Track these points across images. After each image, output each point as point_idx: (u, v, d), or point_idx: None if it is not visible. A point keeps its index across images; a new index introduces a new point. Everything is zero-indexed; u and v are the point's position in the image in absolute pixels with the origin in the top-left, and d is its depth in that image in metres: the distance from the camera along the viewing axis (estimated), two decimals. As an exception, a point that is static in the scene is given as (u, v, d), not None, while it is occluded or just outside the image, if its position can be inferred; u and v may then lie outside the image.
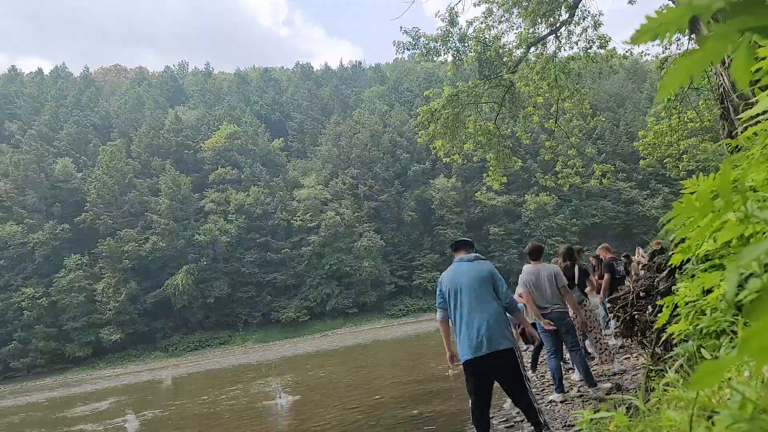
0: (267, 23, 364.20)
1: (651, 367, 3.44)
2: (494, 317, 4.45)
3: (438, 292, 4.80)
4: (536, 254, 6.42)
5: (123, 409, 14.73)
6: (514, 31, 13.44)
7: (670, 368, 2.23)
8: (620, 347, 8.81)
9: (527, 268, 6.47)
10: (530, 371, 8.56)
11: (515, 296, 7.14)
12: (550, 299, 6.25)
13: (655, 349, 3.72)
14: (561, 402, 6.19)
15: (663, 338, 3.02)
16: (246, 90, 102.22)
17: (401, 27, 13.16)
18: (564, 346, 6.61)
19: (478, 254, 4.91)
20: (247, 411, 11.02)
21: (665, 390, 1.98)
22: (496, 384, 4.59)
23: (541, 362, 8.79)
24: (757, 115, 1.59)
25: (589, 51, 13.32)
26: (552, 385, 6.85)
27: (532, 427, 4.55)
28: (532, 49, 13.57)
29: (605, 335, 8.89)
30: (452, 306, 4.62)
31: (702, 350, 2.06)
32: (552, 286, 6.21)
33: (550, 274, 6.24)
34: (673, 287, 2.87)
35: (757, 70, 1.34)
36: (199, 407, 13.02)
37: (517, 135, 15.42)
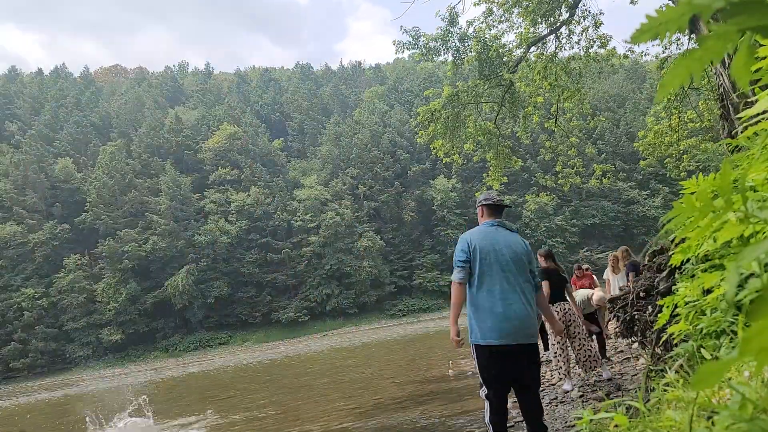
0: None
1: (651, 367, 3.44)
2: (532, 305, 3.79)
3: (462, 251, 3.79)
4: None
5: None
6: (515, 30, 13.46)
7: (670, 368, 2.23)
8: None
9: None
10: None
11: None
12: None
13: (655, 349, 3.72)
14: None
15: (663, 338, 3.02)
16: (246, 90, 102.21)
17: (401, 26, 13.18)
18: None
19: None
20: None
21: (665, 390, 1.98)
22: None
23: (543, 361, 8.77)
24: (757, 114, 1.59)
25: (589, 50, 13.34)
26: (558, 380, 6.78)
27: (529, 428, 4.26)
28: (533, 48, 13.58)
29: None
30: (482, 273, 3.71)
31: (702, 350, 2.06)
32: None
33: None
34: (673, 287, 2.87)
35: (757, 70, 1.34)
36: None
37: (517, 135, 15.45)
